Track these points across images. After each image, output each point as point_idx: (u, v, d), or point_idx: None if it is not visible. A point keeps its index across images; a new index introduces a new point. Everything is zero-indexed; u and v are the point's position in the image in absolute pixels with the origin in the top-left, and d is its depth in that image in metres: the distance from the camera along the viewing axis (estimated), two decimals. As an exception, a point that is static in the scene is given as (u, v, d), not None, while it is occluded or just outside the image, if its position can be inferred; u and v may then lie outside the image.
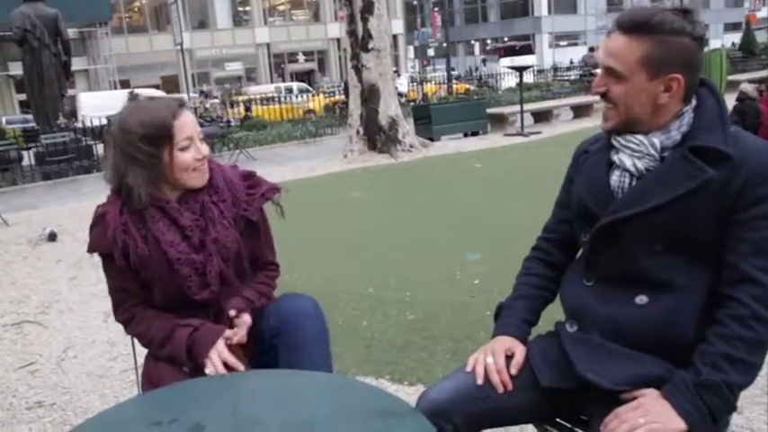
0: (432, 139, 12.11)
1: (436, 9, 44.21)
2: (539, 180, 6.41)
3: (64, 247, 6.16)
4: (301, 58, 41.50)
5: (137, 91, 2.26)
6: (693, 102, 1.40)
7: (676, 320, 1.35)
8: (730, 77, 15.78)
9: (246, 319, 1.77)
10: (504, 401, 1.44)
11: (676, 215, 1.34)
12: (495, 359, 1.48)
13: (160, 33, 35.80)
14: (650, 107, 1.37)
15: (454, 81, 26.24)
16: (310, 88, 29.09)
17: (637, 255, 1.39)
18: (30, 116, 15.99)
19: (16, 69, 20.67)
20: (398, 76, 20.73)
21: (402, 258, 4.74)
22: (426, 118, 12.80)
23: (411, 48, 45.29)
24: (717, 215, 1.32)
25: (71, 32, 16.09)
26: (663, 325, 1.36)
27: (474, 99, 16.94)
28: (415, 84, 23.64)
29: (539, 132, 12.25)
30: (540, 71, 26.93)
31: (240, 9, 39.20)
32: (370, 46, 10.70)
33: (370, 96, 10.81)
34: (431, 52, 44.12)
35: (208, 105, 22.48)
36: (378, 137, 10.85)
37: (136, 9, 37.29)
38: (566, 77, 24.74)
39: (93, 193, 8.96)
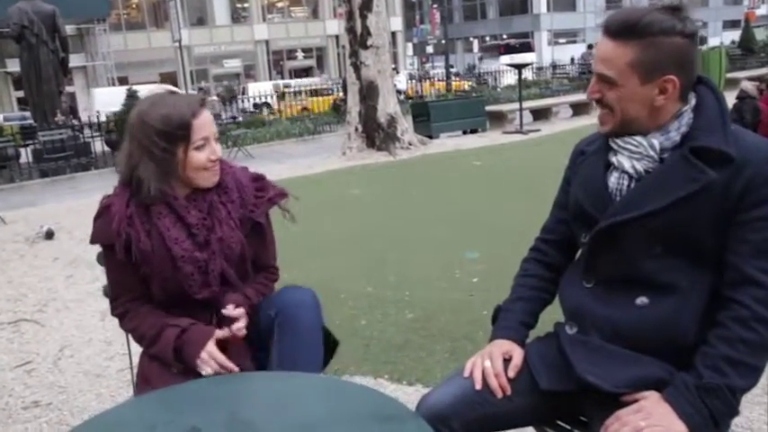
0: (430, 137, 12.09)
1: (435, 6, 44.14)
2: (537, 178, 6.39)
3: (61, 246, 6.15)
4: (300, 54, 41.42)
5: (158, 86, 2.26)
6: (693, 101, 1.38)
7: (677, 322, 1.34)
8: (729, 75, 15.80)
9: (241, 311, 1.75)
10: (503, 406, 1.43)
11: (676, 218, 1.32)
12: (493, 363, 1.47)
13: (158, 30, 35.71)
14: (647, 110, 1.35)
15: (453, 78, 26.21)
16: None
17: (636, 257, 1.38)
18: (27, 113, 15.95)
19: (14, 66, 20.62)
20: (397, 73, 20.74)
21: (401, 256, 4.72)
22: (425, 115, 12.77)
23: (410, 45, 45.31)
24: (718, 217, 1.31)
25: (69, 29, 16.06)
26: (663, 327, 1.35)
27: (473, 96, 16.91)
28: (413, 81, 23.61)
29: (538, 130, 12.24)
30: (540, 68, 26.91)
31: (239, 6, 39.10)
32: (369, 43, 10.68)
33: (369, 94, 10.80)
34: (429, 49, 44.13)
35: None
36: (376, 134, 10.83)
37: (134, 6, 37.16)
38: (565, 74, 24.71)
39: (91, 190, 8.96)
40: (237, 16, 39.30)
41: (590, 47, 27.45)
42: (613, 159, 1.44)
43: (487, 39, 48.45)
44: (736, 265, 1.30)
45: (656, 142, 1.37)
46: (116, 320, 1.85)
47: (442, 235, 5.26)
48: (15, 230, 7.01)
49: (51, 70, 12.62)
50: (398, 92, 14.14)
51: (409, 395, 2.63)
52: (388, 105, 10.93)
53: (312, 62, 41.68)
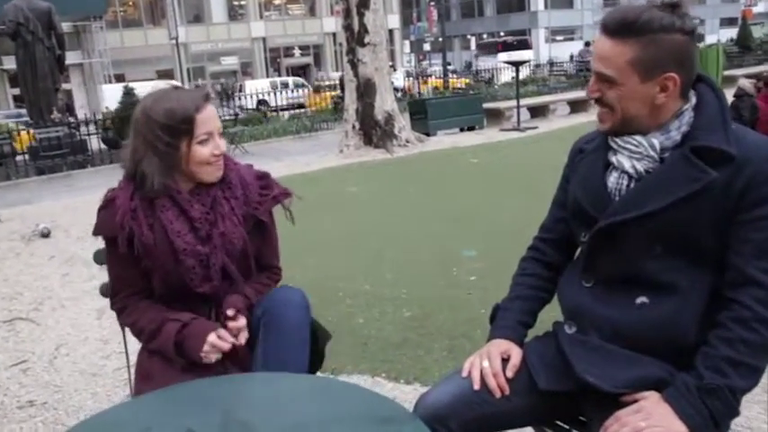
0: (428, 134, 12.08)
1: (432, 3, 44.06)
2: (535, 175, 6.40)
3: (57, 244, 6.12)
4: (297, 52, 41.39)
5: (163, 82, 2.27)
6: (693, 99, 1.37)
7: (677, 322, 1.33)
8: (726, 72, 15.83)
9: (242, 321, 1.76)
10: (501, 405, 1.42)
11: (676, 218, 1.31)
12: (491, 363, 1.45)
13: (155, 27, 35.66)
14: (647, 108, 1.34)
15: (451, 75, 26.19)
16: (306, 83, 29.04)
17: (636, 257, 1.37)
18: (23, 110, 15.89)
19: (10, 63, 20.61)
20: (394, 70, 20.71)
21: (398, 254, 4.71)
22: (422, 113, 12.77)
23: (407, 42, 45.25)
24: (718, 216, 1.29)
25: (65, 26, 16.02)
26: (663, 327, 1.34)
27: (470, 94, 16.91)
28: (411, 78, 23.60)
29: (535, 127, 12.23)
30: (537, 66, 26.93)
31: (235, 3, 39.03)
32: (366, 40, 10.66)
33: (366, 91, 10.78)
34: (427, 47, 44.03)
35: None
36: (374, 132, 10.81)
37: (131, 3, 37.08)
38: (562, 72, 24.73)
39: (87, 188, 8.94)
40: (234, 13, 39.24)
41: (587, 44, 27.48)
42: (613, 159, 1.42)
43: (485, 36, 48.55)
44: (737, 266, 1.29)
45: (656, 142, 1.36)
46: (112, 319, 1.85)
47: (440, 232, 5.25)
48: (11, 228, 6.98)
49: (47, 67, 12.57)
50: (396, 89, 14.14)
51: (407, 394, 2.62)
52: (385, 103, 10.91)
53: (309, 60, 41.64)
